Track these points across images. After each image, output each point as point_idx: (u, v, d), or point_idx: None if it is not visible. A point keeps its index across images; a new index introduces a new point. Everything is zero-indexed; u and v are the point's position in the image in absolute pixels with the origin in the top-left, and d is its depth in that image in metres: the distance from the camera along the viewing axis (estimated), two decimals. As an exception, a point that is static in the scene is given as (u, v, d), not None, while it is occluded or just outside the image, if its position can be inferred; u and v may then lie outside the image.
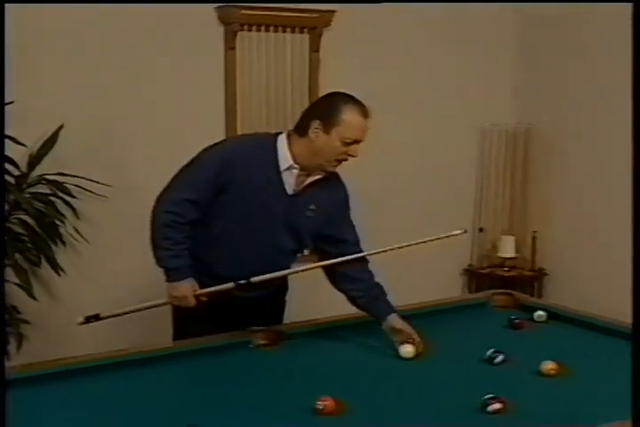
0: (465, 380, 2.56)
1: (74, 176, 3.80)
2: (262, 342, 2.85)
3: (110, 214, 4.06)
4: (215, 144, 2.92)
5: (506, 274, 5.08)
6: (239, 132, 4.31)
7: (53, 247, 3.83)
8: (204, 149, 2.88)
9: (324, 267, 2.96)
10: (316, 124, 2.76)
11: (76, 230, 3.87)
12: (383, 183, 4.63)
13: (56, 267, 3.84)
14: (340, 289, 3.00)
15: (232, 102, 4.36)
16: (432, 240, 2.92)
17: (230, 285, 2.81)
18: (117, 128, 4.08)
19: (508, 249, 5.10)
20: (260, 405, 2.32)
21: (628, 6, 4.28)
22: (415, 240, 2.90)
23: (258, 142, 2.92)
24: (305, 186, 2.88)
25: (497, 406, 2.22)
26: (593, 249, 4.87)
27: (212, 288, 2.83)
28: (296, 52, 4.48)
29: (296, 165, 2.83)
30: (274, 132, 2.97)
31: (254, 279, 2.81)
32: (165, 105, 4.17)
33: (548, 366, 2.55)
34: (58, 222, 3.81)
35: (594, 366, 2.69)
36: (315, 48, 4.50)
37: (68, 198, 3.83)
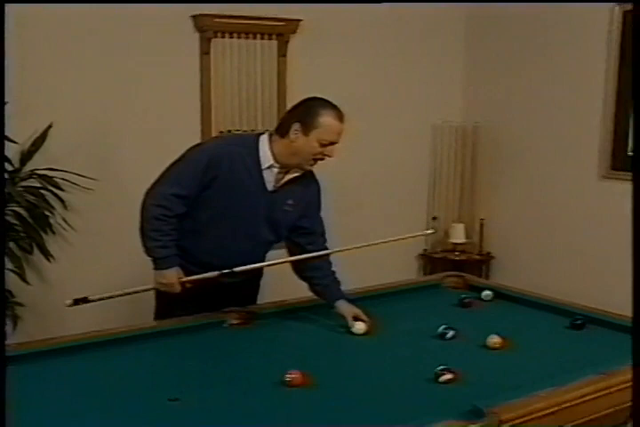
0: (419, 353, 2.58)
1: (62, 171, 3.76)
2: (236, 321, 2.86)
3: (96, 206, 4.03)
4: (202, 143, 2.94)
5: (457, 258, 5.10)
6: (214, 130, 4.29)
7: (44, 236, 3.79)
8: (191, 148, 2.86)
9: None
10: (296, 126, 2.75)
11: (65, 220, 3.84)
12: (345, 177, 4.61)
13: (47, 254, 3.80)
14: (302, 277, 3.00)
15: (207, 102, 4.32)
16: (404, 238, 2.95)
17: (215, 273, 2.80)
18: (103, 127, 4.03)
19: (458, 235, 5.12)
20: (234, 378, 2.33)
21: (576, 6, 4.32)
22: (393, 237, 2.95)
23: (241, 142, 2.90)
24: (283, 183, 2.88)
25: (448, 376, 2.26)
26: (534, 235, 4.92)
27: (197, 276, 2.81)
28: (265, 57, 4.45)
29: (276, 164, 2.82)
30: (253, 131, 2.97)
31: (237, 269, 2.80)
32: (147, 105, 4.13)
33: (494, 340, 2.59)
34: (48, 213, 3.77)
35: (534, 339, 2.73)
36: (282, 53, 4.48)
37: (57, 191, 3.80)
